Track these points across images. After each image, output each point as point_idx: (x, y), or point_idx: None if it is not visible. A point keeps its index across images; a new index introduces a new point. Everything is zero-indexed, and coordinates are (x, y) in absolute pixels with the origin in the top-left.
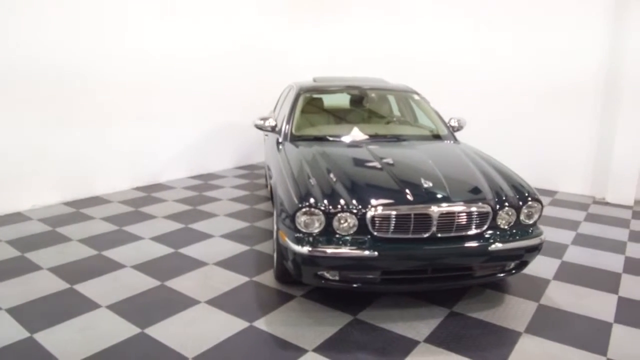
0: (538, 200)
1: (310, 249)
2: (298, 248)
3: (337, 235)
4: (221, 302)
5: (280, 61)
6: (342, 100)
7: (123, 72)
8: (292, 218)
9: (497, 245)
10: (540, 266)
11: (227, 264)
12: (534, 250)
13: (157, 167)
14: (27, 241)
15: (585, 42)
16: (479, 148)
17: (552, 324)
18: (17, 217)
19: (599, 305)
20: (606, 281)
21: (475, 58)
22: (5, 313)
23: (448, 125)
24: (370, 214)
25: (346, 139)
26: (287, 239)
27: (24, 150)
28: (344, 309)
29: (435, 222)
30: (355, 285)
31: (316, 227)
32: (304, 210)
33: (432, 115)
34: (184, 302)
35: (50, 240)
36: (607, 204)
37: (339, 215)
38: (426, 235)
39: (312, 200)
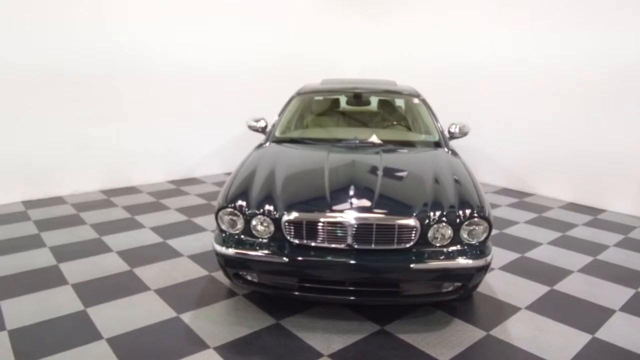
0: (484, 218)
1: (227, 249)
2: (218, 248)
3: (258, 238)
4: (167, 292)
5: (321, 65)
6: (340, 103)
7: (163, 72)
8: (216, 217)
9: (422, 264)
10: (519, 292)
11: (199, 257)
12: (478, 271)
13: (193, 162)
14: (50, 222)
15: None
16: (524, 159)
17: (485, 358)
18: (55, 201)
19: (559, 343)
20: (590, 317)
21: (521, 63)
22: None
23: (442, 131)
24: (285, 218)
25: (319, 142)
26: (214, 238)
27: (69, 141)
28: (273, 313)
29: (350, 233)
30: (268, 289)
31: (237, 228)
32: (228, 210)
33: (428, 121)
34: (137, 288)
35: (68, 223)
36: None
37: (257, 217)
38: (342, 246)
39: (239, 202)
